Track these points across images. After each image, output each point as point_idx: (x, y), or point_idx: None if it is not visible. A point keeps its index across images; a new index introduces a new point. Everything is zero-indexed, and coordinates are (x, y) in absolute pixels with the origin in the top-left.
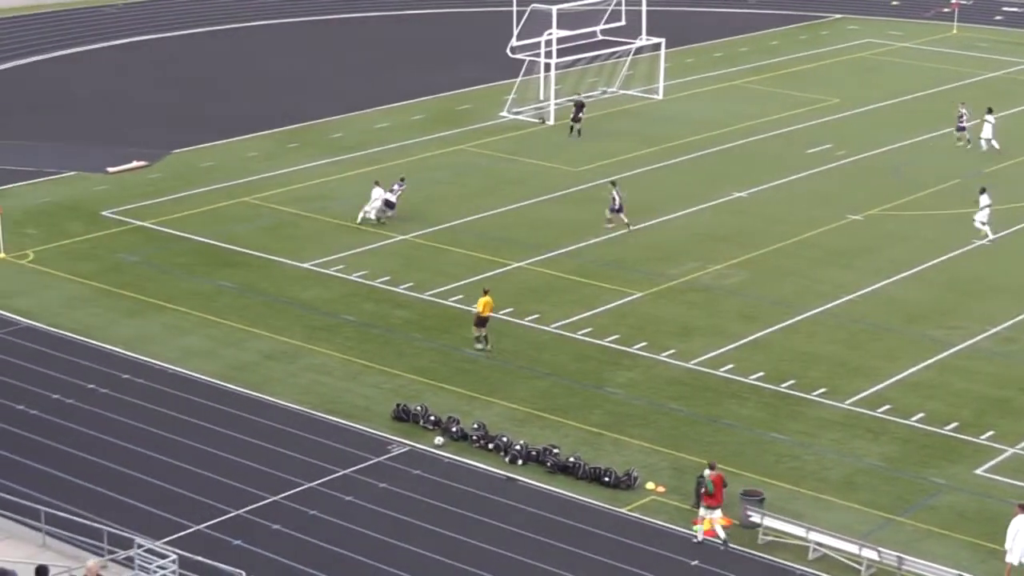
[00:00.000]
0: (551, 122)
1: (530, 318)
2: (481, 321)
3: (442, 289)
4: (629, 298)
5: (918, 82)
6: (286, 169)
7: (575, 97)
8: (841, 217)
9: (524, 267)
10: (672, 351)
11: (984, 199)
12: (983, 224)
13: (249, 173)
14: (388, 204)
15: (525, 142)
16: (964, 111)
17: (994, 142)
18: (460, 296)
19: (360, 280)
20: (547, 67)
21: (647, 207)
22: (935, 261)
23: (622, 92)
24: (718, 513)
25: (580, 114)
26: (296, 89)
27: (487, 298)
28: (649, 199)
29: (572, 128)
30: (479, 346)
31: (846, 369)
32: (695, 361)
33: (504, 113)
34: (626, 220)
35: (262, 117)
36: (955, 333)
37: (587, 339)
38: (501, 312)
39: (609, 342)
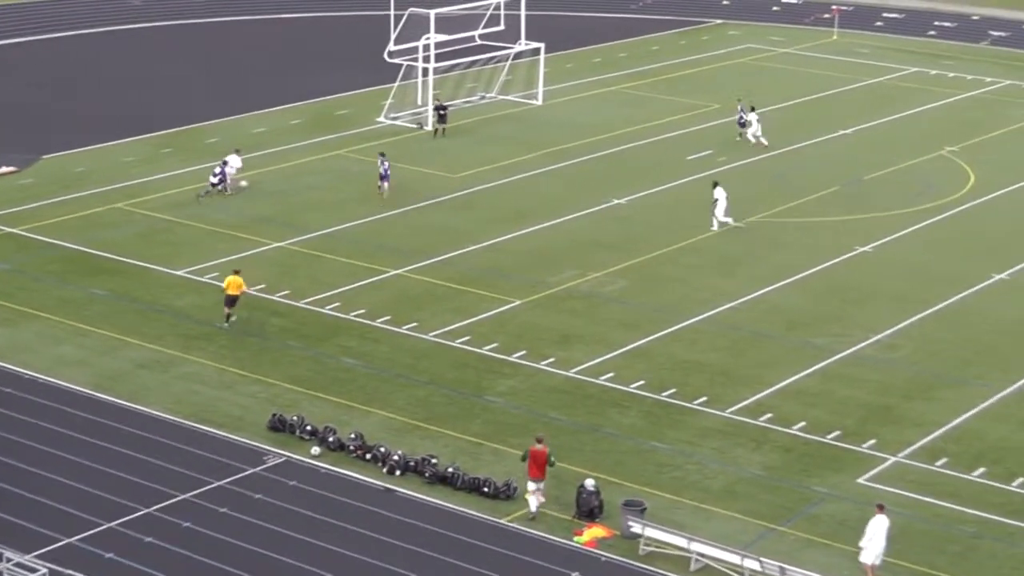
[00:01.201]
0: (429, 127)
1: (408, 326)
2: (230, 300)
3: (319, 297)
4: (508, 306)
5: (799, 88)
6: (161, 174)
7: (435, 103)
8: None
9: (402, 274)
10: (552, 359)
11: (718, 192)
12: (724, 216)
13: (123, 178)
14: (213, 185)
15: (403, 147)
16: (741, 108)
17: (763, 139)
18: (337, 304)
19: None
20: (425, 72)
21: (526, 213)
22: (816, 268)
23: (501, 97)
24: (541, 485)
25: (443, 114)
26: (172, 92)
27: (234, 277)
28: (529, 205)
29: (436, 130)
30: (225, 324)
31: (728, 377)
32: (576, 369)
33: (382, 118)
34: (385, 188)
35: (137, 121)
36: (837, 340)
37: (466, 347)
38: (379, 320)
39: (488, 350)
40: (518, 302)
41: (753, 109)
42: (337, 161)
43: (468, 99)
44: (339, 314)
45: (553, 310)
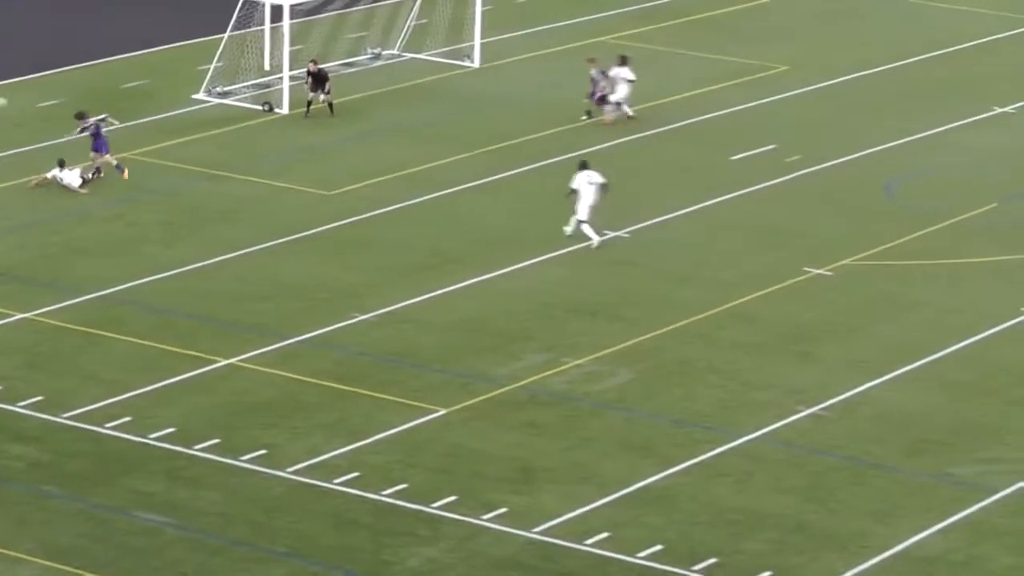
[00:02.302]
0: (284, 109)
1: (250, 455)
2: None
3: (95, 407)
4: (426, 418)
5: (923, 36)
6: None
7: (310, 65)
8: (796, 271)
9: (240, 365)
10: (502, 510)
11: (584, 177)
12: (581, 221)
13: None
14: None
15: (241, 145)
16: (597, 71)
17: (628, 108)
18: (128, 419)
19: None
20: (277, 13)
21: (455, 256)
22: (957, 345)
23: (409, 56)
24: None
25: (323, 89)
26: None
27: None
28: (459, 242)
29: (310, 104)
30: None
31: (808, 537)
32: (542, 527)
33: (202, 95)
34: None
35: None
36: (994, 471)
37: (352, 491)
38: (200, 446)
39: (392, 496)
40: (442, 411)
41: (625, 62)
42: (127, 170)
43: (350, 61)
44: (130, 436)
45: (504, 425)
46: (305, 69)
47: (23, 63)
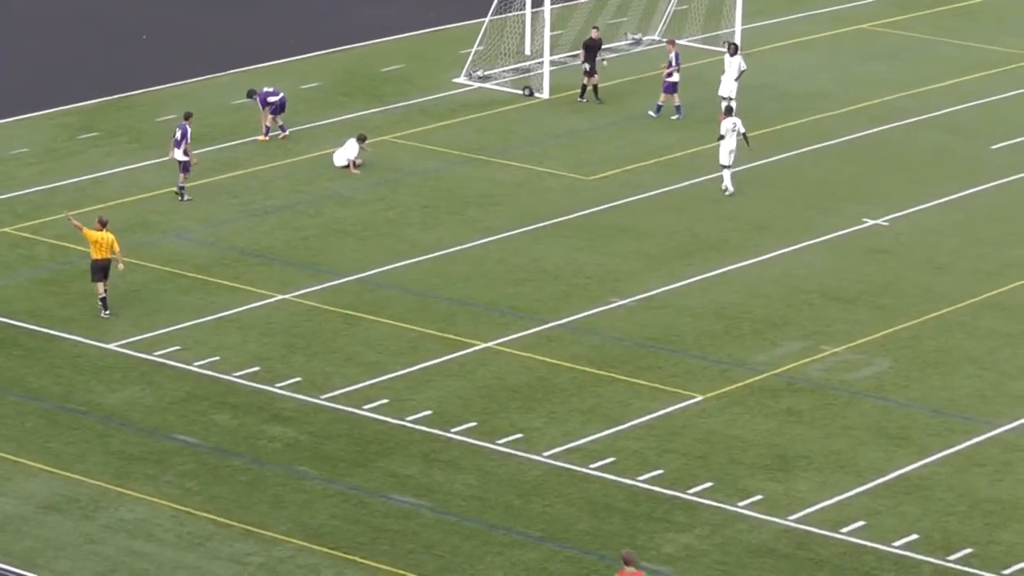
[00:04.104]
0: (544, 94)
1: (507, 439)
2: (101, 270)
3: (353, 388)
4: (682, 404)
5: None
6: (77, 177)
7: (592, 35)
8: None
9: (497, 349)
10: (758, 497)
11: (730, 123)
12: (724, 166)
13: (11, 184)
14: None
15: (500, 129)
16: (674, 56)
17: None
18: (384, 401)
19: (209, 372)
20: None
21: (713, 243)
22: None
23: (669, 42)
24: None
25: (596, 62)
26: (93, 40)
27: (104, 233)
28: (717, 229)
29: (584, 89)
30: (106, 312)
31: None
32: (798, 515)
33: (462, 78)
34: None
35: (33, 88)
36: None
37: (609, 476)
38: (456, 429)
39: (648, 482)
40: (699, 397)
41: (736, 50)
42: (382, 153)
43: (610, 46)
44: (388, 418)
45: (761, 412)
46: (590, 37)
47: (284, 47)
